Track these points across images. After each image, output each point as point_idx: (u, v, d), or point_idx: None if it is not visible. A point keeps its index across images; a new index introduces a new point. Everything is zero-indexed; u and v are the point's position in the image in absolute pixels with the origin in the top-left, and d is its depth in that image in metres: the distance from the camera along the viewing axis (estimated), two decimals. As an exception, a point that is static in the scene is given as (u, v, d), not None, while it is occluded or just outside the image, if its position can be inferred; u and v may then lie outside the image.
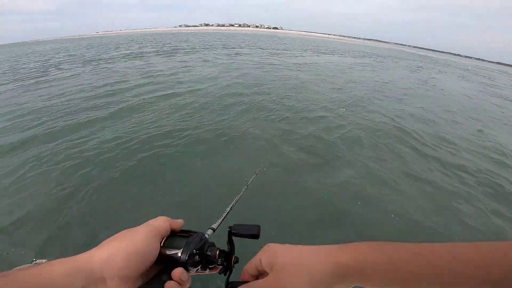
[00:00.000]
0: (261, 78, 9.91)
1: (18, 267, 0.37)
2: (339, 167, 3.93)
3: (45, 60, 17.81)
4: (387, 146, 4.75)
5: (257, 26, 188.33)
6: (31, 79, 10.58)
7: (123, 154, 4.01)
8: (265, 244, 0.47)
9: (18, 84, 9.67)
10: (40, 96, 7.56)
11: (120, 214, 2.88)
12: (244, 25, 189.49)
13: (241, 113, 5.86)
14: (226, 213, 0.65)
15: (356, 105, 7.23)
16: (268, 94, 7.52)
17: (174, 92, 7.28)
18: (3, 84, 9.94)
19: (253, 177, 0.94)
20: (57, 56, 20.38)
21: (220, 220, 0.61)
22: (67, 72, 11.75)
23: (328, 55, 23.82)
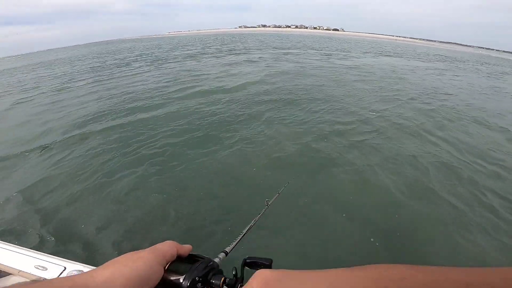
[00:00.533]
0: (301, 81, 9.75)
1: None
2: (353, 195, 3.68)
3: (122, 58, 20.72)
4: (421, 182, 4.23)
5: (315, 28, 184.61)
6: (104, 76, 12.52)
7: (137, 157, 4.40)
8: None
9: (92, 81, 11.58)
10: (99, 93, 8.97)
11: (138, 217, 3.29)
12: (301, 26, 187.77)
13: (269, 122, 5.81)
14: (242, 235, 0.61)
15: (393, 119, 6.54)
16: (300, 100, 7.36)
17: (208, 100, 7.37)
18: (82, 80, 12.02)
19: (275, 197, 0.88)
20: (131, 54, 23.50)
21: (234, 243, 0.58)
22: (135, 70, 13.54)
23: (392, 57, 22.04)
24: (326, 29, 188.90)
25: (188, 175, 3.79)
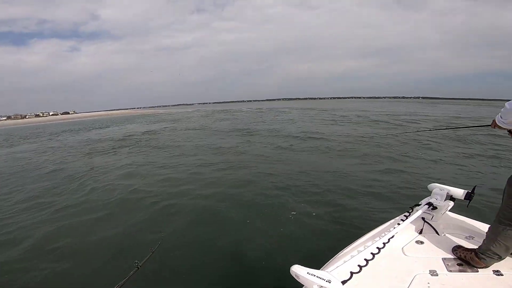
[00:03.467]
0: None
1: None
2: None
3: None
4: None
5: (37, 115, 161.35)
6: None
7: None
8: None
9: None
10: None
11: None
12: (17, 116, 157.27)
13: None
14: None
15: None
16: None
17: None
18: None
19: (148, 257, 0.76)
20: None
21: None
22: None
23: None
24: (53, 114, 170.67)
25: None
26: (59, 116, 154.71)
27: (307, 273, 1.43)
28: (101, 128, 36.82)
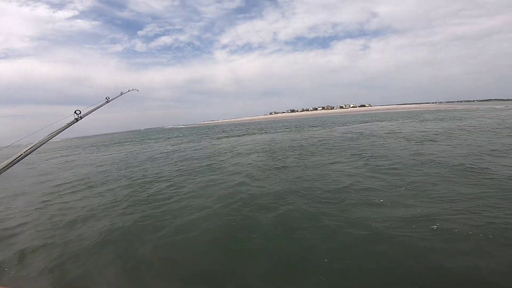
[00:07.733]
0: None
1: None
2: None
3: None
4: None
5: (341, 107, 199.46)
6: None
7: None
8: None
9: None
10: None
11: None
12: (328, 107, 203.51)
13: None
14: None
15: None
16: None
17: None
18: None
19: None
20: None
21: None
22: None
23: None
24: (352, 107, 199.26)
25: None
26: (357, 108, 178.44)
27: None
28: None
